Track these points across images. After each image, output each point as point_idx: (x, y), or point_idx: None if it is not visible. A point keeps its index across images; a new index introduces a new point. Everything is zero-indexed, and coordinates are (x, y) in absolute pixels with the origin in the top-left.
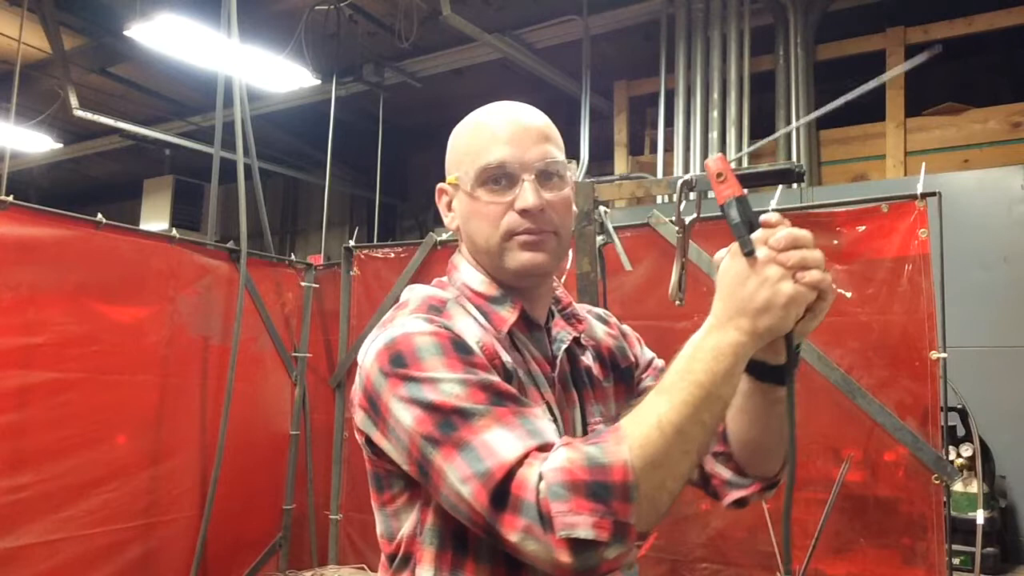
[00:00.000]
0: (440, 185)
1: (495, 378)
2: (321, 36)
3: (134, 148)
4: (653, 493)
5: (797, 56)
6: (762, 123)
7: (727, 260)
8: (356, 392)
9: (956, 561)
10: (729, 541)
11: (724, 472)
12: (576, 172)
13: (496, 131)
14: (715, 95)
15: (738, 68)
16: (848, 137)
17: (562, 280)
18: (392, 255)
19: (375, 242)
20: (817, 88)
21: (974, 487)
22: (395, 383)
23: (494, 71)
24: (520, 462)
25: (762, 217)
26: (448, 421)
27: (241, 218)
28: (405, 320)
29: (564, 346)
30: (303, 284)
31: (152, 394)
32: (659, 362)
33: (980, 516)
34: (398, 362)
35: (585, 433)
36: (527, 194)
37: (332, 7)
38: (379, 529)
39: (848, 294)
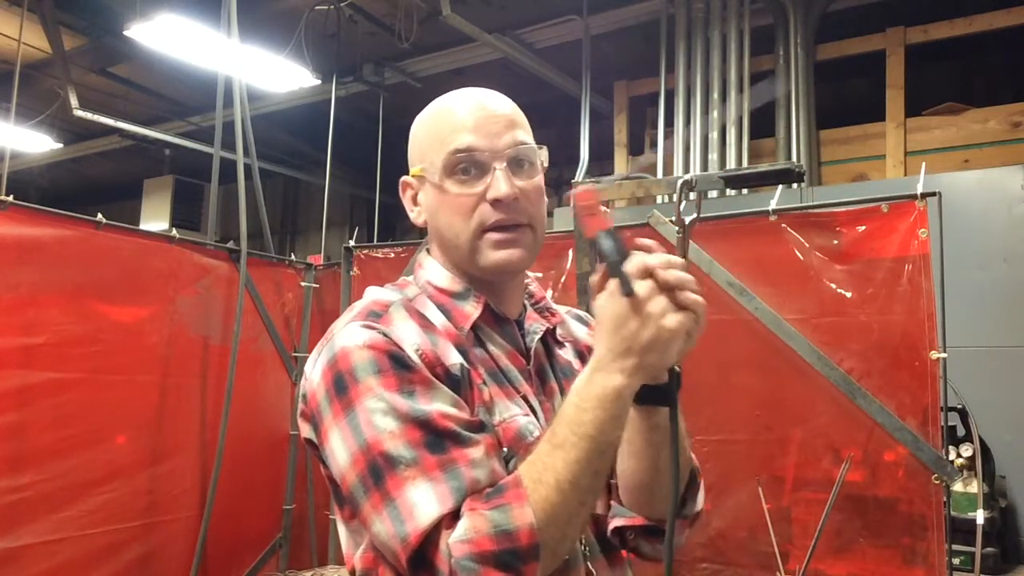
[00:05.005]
0: (404, 178)
1: (434, 407)
2: (321, 36)
3: (134, 148)
4: (555, 545)
5: (797, 56)
6: (762, 123)
7: (605, 298)
8: (300, 402)
9: (956, 561)
10: (729, 541)
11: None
12: (546, 157)
13: (462, 118)
14: (715, 95)
15: (738, 68)
16: (848, 137)
17: (562, 280)
18: (392, 255)
19: (375, 242)
20: (817, 88)
21: (974, 487)
22: (336, 412)
23: (494, 71)
24: (436, 526)
25: (637, 241)
26: (376, 466)
27: (241, 218)
28: (345, 330)
29: (537, 337)
30: (303, 284)
31: (152, 394)
32: None
33: (980, 516)
34: (339, 385)
35: None
36: (500, 183)
37: (332, 7)
38: (343, 545)
39: (848, 294)
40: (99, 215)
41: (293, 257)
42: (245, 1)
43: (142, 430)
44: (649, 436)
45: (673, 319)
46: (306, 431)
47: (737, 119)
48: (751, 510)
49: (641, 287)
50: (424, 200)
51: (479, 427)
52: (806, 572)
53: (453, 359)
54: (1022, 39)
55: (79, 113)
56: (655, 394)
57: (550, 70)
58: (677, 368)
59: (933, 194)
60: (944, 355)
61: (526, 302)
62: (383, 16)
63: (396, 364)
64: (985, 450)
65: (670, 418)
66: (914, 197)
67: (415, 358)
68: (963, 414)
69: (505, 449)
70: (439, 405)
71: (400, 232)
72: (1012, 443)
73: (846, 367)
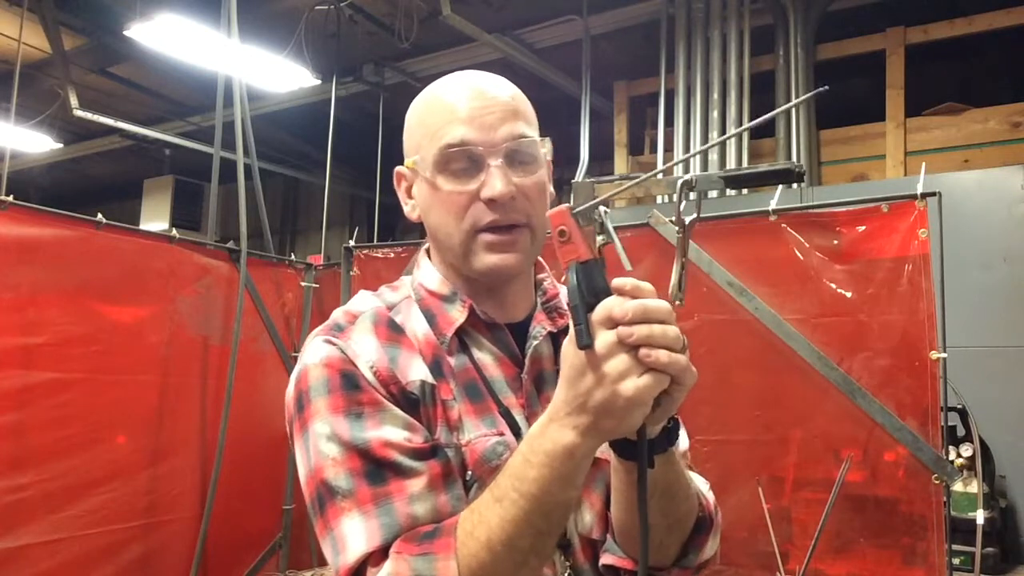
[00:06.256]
0: (398, 169)
1: (378, 433)
2: (321, 36)
3: (134, 148)
4: None
5: (797, 56)
6: (762, 123)
7: (567, 343)
8: (285, 408)
9: (956, 561)
10: (729, 541)
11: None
12: (550, 149)
13: (455, 106)
14: (715, 95)
15: (738, 68)
16: (848, 137)
17: (563, 280)
18: (392, 255)
19: (375, 242)
20: (817, 88)
21: (974, 487)
22: (296, 430)
23: (494, 71)
24: (362, 563)
25: (615, 282)
26: (320, 493)
27: (241, 218)
28: (310, 345)
29: (535, 343)
30: (303, 284)
31: (152, 394)
32: None
33: (980, 516)
34: (299, 404)
35: None
36: (494, 180)
37: (332, 7)
38: None
39: (848, 294)
40: (99, 215)
41: (293, 257)
42: (245, 1)
43: (142, 430)
44: (635, 488)
45: (631, 385)
46: (290, 436)
47: (737, 119)
48: (751, 510)
49: (601, 341)
50: (417, 195)
51: (428, 454)
52: (806, 572)
53: (414, 375)
54: (1022, 39)
55: (79, 113)
56: (635, 448)
57: (550, 70)
58: (669, 424)
59: (933, 194)
60: (944, 355)
61: (539, 299)
62: (383, 16)
63: (346, 384)
64: (985, 450)
65: (638, 478)
66: (914, 197)
67: (369, 376)
68: (963, 414)
69: (469, 473)
70: (386, 430)
71: (400, 232)
72: (1012, 443)
73: (846, 367)
